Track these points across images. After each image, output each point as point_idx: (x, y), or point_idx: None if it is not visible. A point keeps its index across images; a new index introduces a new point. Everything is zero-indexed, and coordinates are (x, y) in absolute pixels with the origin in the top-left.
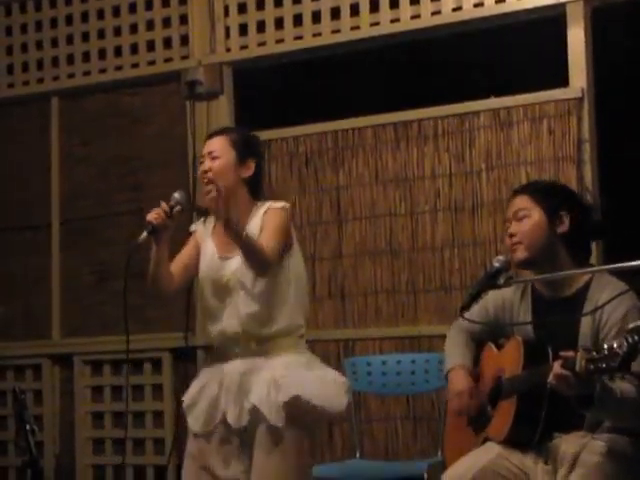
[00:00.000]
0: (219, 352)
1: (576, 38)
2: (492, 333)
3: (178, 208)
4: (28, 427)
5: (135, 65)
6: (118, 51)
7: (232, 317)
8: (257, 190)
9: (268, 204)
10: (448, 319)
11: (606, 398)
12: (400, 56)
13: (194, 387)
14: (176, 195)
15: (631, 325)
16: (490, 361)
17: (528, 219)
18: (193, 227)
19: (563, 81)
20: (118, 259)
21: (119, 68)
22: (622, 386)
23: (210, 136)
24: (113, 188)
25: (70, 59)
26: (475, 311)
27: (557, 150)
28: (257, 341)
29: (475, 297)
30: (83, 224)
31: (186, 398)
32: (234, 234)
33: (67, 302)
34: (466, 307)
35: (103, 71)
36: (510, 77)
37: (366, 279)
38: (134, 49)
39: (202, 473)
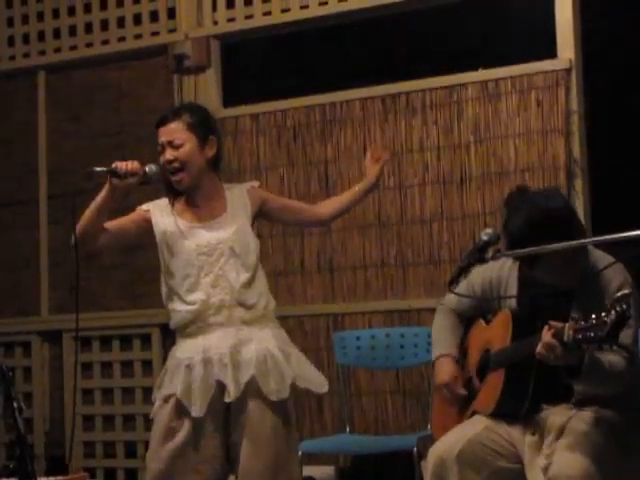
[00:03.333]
0: (194, 326)
1: (564, 9)
2: (480, 309)
3: (147, 174)
4: (15, 404)
5: (122, 39)
6: (105, 25)
7: (217, 285)
8: (219, 166)
9: (244, 185)
10: (437, 292)
11: (594, 369)
12: (389, 28)
13: (177, 375)
14: (153, 167)
15: (618, 294)
16: (478, 334)
17: None
18: (144, 206)
19: (551, 52)
20: None
21: (106, 42)
22: (611, 358)
23: (163, 122)
24: (101, 162)
25: (56, 33)
26: (462, 288)
27: (545, 122)
28: (241, 309)
29: (463, 270)
30: (71, 199)
31: (173, 389)
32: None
33: (56, 278)
34: (454, 281)
35: (90, 45)
36: (498, 49)
37: (355, 253)
38: (121, 23)
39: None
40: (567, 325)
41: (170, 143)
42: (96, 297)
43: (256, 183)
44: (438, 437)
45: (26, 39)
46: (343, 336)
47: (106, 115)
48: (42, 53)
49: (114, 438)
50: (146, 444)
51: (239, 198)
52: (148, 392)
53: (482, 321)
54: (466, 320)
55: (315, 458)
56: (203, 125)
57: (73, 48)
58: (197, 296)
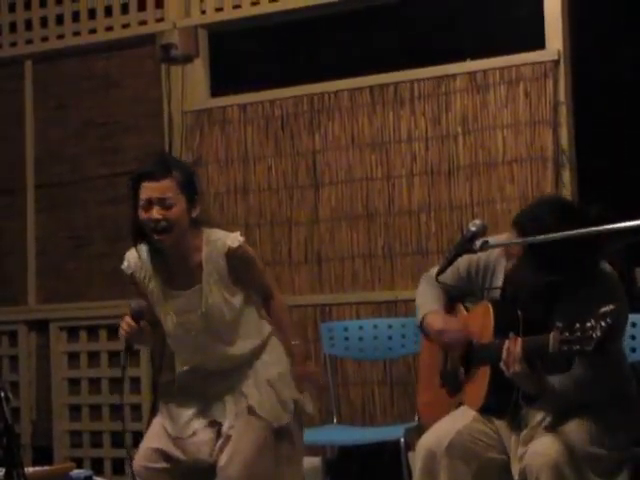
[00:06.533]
0: (189, 374)
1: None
2: (462, 291)
3: (142, 317)
4: (2, 394)
5: (109, 28)
6: (92, 14)
7: (205, 355)
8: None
9: (223, 240)
10: None
11: (552, 398)
12: (375, 18)
13: (175, 401)
14: (133, 306)
15: (603, 309)
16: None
17: None
18: (126, 267)
19: (540, 43)
20: (94, 224)
21: (93, 31)
22: (577, 374)
23: (152, 177)
24: (88, 152)
25: (44, 22)
26: (447, 272)
27: (533, 113)
28: (235, 361)
29: (451, 261)
30: (58, 188)
31: (164, 410)
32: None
33: (43, 268)
34: (442, 271)
35: (77, 34)
36: (486, 40)
37: (343, 244)
38: (108, 12)
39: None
40: (552, 336)
41: (162, 201)
42: (84, 287)
43: (236, 241)
44: (425, 416)
45: (13, 28)
46: (331, 327)
47: (93, 104)
48: (29, 42)
49: (101, 428)
50: (133, 434)
51: (216, 264)
52: (135, 382)
53: (462, 308)
54: (448, 300)
55: None
56: (191, 185)
57: (60, 37)
58: (188, 365)
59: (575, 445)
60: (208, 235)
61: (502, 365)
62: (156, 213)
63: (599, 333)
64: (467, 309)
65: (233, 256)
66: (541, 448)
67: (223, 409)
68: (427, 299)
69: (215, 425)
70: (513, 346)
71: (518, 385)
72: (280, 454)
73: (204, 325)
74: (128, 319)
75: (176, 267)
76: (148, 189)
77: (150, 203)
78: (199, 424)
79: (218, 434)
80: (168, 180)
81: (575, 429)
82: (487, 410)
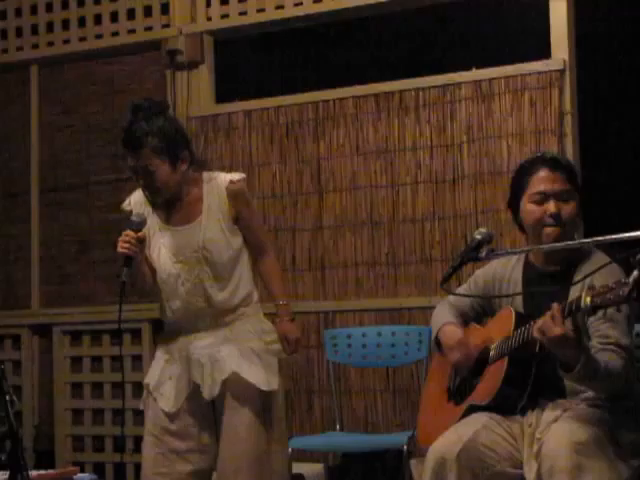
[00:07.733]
0: (178, 326)
1: (558, 9)
2: (479, 309)
3: (142, 228)
4: (7, 398)
5: (115, 33)
6: (98, 19)
7: (196, 293)
8: (196, 162)
9: (223, 177)
10: (428, 291)
11: (589, 366)
12: (383, 26)
13: (156, 367)
14: (134, 219)
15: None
16: (474, 336)
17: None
18: (126, 204)
19: (545, 53)
20: (98, 229)
21: (99, 36)
22: (608, 358)
23: (128, 149)
24: (93, 157)
25: (49, 27)
26: (464, 288)
27: (539, 122)
28: (222, 314)
29: (456, 269)
30: (63, 193)
31: (150, 379)
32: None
33: (47, 272)
34: (447, 279)
35: (83, 39)
36: (492, 49)
37: (346, 251)
38: (114, 17)
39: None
40: (584, 293)
41: (143, 168)
42: (88, 291)
43: (237, 176)
44: (423, 433)
45: (19, 32)
46: (334, 334)
47: (98, 110)
48: (35, 47)
49: (103, 432)
50: (135, 439)
51: (217, 198)
52: (138, 387)
53: (475, 324)
54: (464, 323)
55: (305, 455)
56: (171, 145)
57: (66, 42)
58: (176, 304)
59: (595, 438)
60: (209, 175)
61: (537, 333)
62: (140, 179)
63: (636, 276)
64: (483, 324)
65: (234, 191)
66: (559, 432)
67: (201, 372)
68: (441, 316)
69: (197, 396)
70: (557, 310)
71: (556, 351)
72: (269, 421)
73: (200, 259)
74: (127, 231)
75: (176, 205)
76: (128, 157)
77: (134, 169)
78: (183, 395)
79: (206, 410)
80: (143, 150)
81: (587, 429)
82: (499, 403)
